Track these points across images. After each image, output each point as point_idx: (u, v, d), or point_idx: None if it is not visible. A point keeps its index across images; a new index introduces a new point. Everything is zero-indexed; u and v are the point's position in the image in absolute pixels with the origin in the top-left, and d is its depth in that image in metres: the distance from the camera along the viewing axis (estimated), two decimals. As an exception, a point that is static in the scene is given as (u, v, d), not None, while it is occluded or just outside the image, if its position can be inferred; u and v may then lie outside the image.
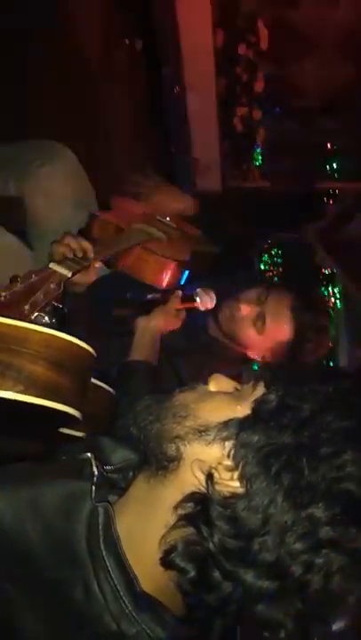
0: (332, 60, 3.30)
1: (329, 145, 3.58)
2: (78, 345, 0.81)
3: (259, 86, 3.07)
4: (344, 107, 3.45)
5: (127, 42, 2.51)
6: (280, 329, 1.41)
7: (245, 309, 1.43)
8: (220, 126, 2.89)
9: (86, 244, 1.22)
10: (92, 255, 1.22)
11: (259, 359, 1.49)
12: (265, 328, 1.41)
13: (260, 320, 1.41)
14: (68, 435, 0.89)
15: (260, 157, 3.34)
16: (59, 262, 1.04)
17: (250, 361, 1.51)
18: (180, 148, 2.92)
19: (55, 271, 1.00)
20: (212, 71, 2.77)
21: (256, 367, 1.56)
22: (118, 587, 0.56)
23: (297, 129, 3.50)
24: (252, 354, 1.49)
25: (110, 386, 1.05)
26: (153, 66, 2.70)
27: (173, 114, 2.85)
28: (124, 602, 0.55)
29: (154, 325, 1.36)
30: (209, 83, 2.80)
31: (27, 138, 1.66)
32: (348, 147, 3.55)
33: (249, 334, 1.44)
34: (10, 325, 0.77)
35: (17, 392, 0.73)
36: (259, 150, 3.31)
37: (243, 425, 0.58)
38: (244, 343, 1.47)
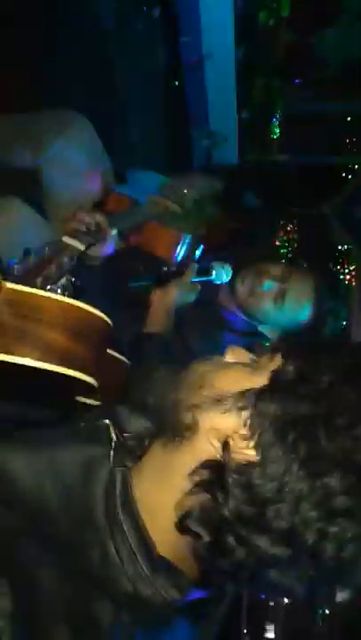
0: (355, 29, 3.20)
1: (349, 118, 3.50)
2: (95, 314, 0.82)
3: (279, 55, 2.99)
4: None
5: (145, 9, 2.45)
6: (300, 309, 1.41)
7: (267, 285, 1.42)
8: (237, 97, 2.83)
9: (100, 218, 1.21)
10: (106, 228, 1.21)
11: (269, 334, 1.49)
12: (284, 305, 1.41)
13: (281, 297, 1.41)
14: (84, 403, 0.90)
15: (277, 130, 3.28)
16: (72, 235, 1.04)
17: (260, 335, 1.51)
18: (197, 119, 2.87)
19: (68, 244, 1.00)
20: (231, 40, 2.69)
21: (267, 342, 1.56)
22: (135, 549, 0.57)
23: (317, 101, 3.41)
24: (262, 327, 1.49)
25: (124, 357, 1.06)
26: (171, 34, 2.63)
27: (191, 84, 2.79)
28: (140, 564, 0.56)
29: (169, 298, 1.36)
30: (228, 52, 2.72)
31: (40, 107, 1.64)
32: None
33: (267, 310, 1.43)
34: (27, 293, 0.77)
35: (34, 359, 0.74)
36: (277, 122, 3.25)
37: (260, 395, 0.58)
38: (259, 317, 1.47)
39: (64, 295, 0.90)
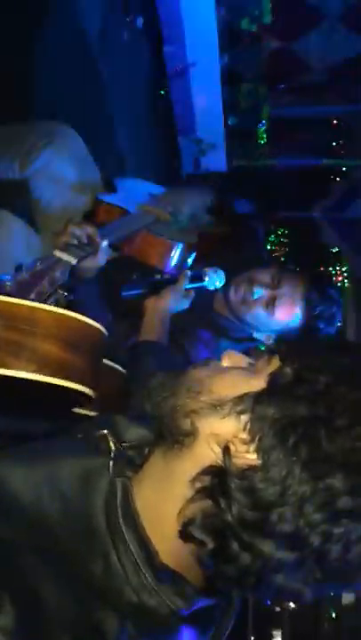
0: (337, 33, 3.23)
1: (336, 121, 3.53)
2: (89, 324, 0.82)
3: (263, 61, 3.02)
4: (350, 81, 3.39)
5: (128, 19, 2.47)
6: (291, 314, 1.41)
7: (258, 293, 1.43)
8: (224, 104, 2.85)
9: (91, 230, 1.21)
10: (98, 240, 1.21)
11: (264, 340, 1.49)
12: (275, 311, 1.41)
13: (272, 304, 1.41)
14: (81, 415, 0.90)
15: (265, 135, 3.30)
16: (63, 249, 1.04)
17: (254, 340, 1.52)
18: (184, 127, 2.89)
19: (60, 258, 1.00)
20: (215, 48, 2.72)
21: (262, 347, 1.56)
22: (138, 560, 0.56)
23: (302, 105, 3.44)
24: (257, 334, 1.49)
25: (121, 367, 1.06)
26: (155, 44, 2.65)
27: (177, 93, 2.80)
28: (143, 574, 0.56)
29: (163, 306, 1.36)
30: (212, 60, 2.74)
31: (27, 119, 1.64)
32: (354, 122, 3.50)
33: (259, 317, 1.44)
34: (20, 305, 0.77)
35: (31, 371, 0.74)
36: (264, 128, 3.27)
37: (258, 398, 0.58)
38: (252, 324, 1.47)
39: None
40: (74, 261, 1.02)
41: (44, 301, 0.89)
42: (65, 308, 0.94)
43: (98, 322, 1.30)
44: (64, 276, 0.96)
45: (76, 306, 1.26)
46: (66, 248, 1.05)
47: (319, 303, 1.40)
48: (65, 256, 1.01)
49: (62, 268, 0.97)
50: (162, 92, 2.78)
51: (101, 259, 1.26)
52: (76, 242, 1.17)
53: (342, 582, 0.55)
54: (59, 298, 0.91)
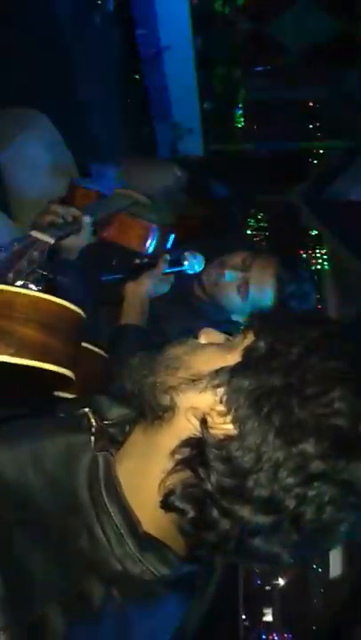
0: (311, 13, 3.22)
1: (311, 103, 3.53)
2: (67, 307, 0.82)
3: (237, 44, 3.00)
4: (326, 63, 3.40)
5: (100, 2, 2.43)
6: (262, 295, 1.42)
7: (230, 274, 1.44)
8: (199, 88, 2.83)
9: (75, 209, 1.22)
10: (84, 219, 1.22)
11: (241, 321, 1.51)
12: (248, 295, 1.42)
13: (243, 286, 1.42)
14: (63, 398, 0.90)
15: (241, 119, 3.29)
16: (40, 229, 1.03)
17: (234, 323, 1.53)
18: (159, 112, 2.87)
19: (37, 238, 1.00)
20: (188, 31, 2.69)
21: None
22: (121, 530, 0.58)
23: (278, 87, 3.43)
24: (235, 317, 1.50)
25: (102, 350, 1.07)
26: (127, 27, 2.62)
27: (150, 77, 2.78)
28: (127, 544, 0.57)
29: (143, 290, 1.36)
30: (186, 43, 2.72)
31: (-2, 107, 1.62)
32: (331, 104, 3.51)
33: (232, 299, 1.45)
34: (-2, 290, 0.77)
35: (9, 355, 0.74)
36: (240, 112, 3.26)
37: (234, 371, 0.60)
38: (227, 307, 1.48)
39: (37, 289, 0.90)
40: (51, 241, 1.01)
41: (25, 280, 0.88)
42: (45, 287, 0.94)
43: (80, 302, 1.31)
44: (43, 255, 0.96)
45: (57, 286, 1.26)
46: (43, 228, 1.05)
47: (290, 282, 1.41)
48: (42, 236, 1.00)
49: (40, 247, 0.97)
50: (136, 77, 2.75)
51: (85, 237, 1.26)
52: (61, 220, 1.17)
53: (318, 543, 0.57)
54: (37, 277, 0.91)
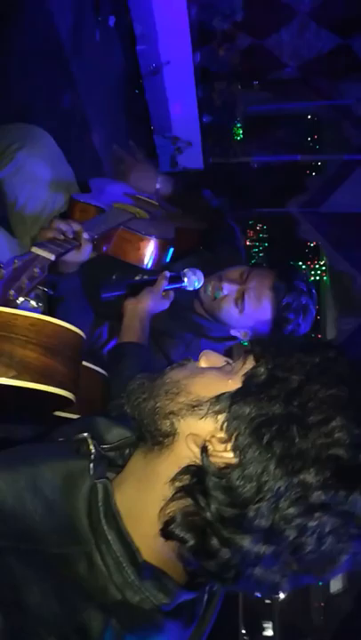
0: (308, 29, 3.27)
1: (310, 116, 3.57)
2: (67, 328, 0.82)
3: (236, 59, 3.03)
4: (323, 77, 3.43)
5: (99, 19, 2.45)
6: (260, 308, 1.42)
7: (227, 288, 1.44)
8: (198, 102, 2.85)
9: (77, 225, 1.22)
10: (83, 235, 1.22)
11: (241, 337, 1.51)
12: (245, 307, 1.43)
13: (240, 299, 1.42)
14: (63, 418, 0.90)
15: (240, 132, 3.32)
16: (41, 246, 1.03)
17: (234, 339, 1.53)
18: (159, 126, 2.89)
19: (38, 255, 1.00)
20: (188, 46, 2.72)
21: (245, 344, 1.58)
22: (121, 558, 0.58)
23: (276, 102, 3.47)
24: (233, 331, 1.50)
25: (102, 368, 1.06)
26: (128, 42, 2.64)
27: (151, 92, 2.80)
28: (126, 572, 0.57)
29: (143, 307, 1.36)
30: (185, 58, 2.75)
31: (-1, 122, 1.63)
32: (328, 117, 3.54)
33: (230, 313, 1.45)
34: (-2, 312, 0.77)
35: (10, 377, 0.74)
36: (239, 125, 3.29)
37: (234, 398, 0.60)
38: (225, 321, 1.48)
39: (38, 306, 0.90)
40: (52, 257, 1.01)
41: (25, 296, 0.88)
42: (46, 303, 0.94)
43: (81, 317, 1.31)
44: (43, 271, 0.96)
45: (57, 302, 1.27)
46: (44, 244, 1.05)
47: (287, 294, 1.41)
48: (42, 252, 1.00)
49: (41, 264, 0.97)
50: (136, 92, 2.78)
51: (85, 253, 1.26)
52: (62, 237, 1.17)
53: (318, 573, 0.57)
54: (39, 294, 0.91)
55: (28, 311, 0.79)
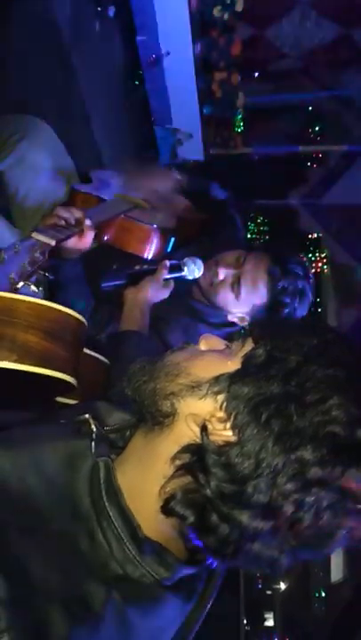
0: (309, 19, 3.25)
1: (311, 107, 3.55)
2: (68, 313, 0.83)
3: (236, 50, 3.01)
4: (324, 68, 3.42)
5: (99, 9, 2.44)
6: (256, 292, 1.43)
7: (223, 272, 1.45)
8: (199, 93, 2.84)
9: (78, 212, 1.23)
10: (85, 221, 1.23)
11: (238, 322, 1.51)
12: (241, 291, 1.43)
13: (237, 283, 1.43)
14: (64, 403, 0.91)
15: (241, 123, 3.30)
16: (42, 232, 1.04)
17: (233, 325, 1.54)
18: (159, 117, 2.88)
19: (39, 240, 1.01)
20: (188, 37, 2.70)
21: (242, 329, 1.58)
22: (122, 534, 0.59)
23: (277, 93, 3.45)
24: (231, 317, 1.51)
25: (103, 356, 1.08)
26: (128, 33, 2.63)
27: (151, 83, 2.79)
28: (127, 547, 0.58)
29: (143, 296, 1.37)
30: (185, 49, 2.73)
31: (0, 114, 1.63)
32: (330, 108, 3.53)
33: (227, 297, 1.46)
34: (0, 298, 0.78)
35: (12, 361, 0.75)
36: (240, 116, 3.27)
37: (233, 378, 0.61)
38: (222, 306, 1.49)
39: (39, 290, 0.91)
40: (53, 243, 1.02)
41: (26, 281, 0.89)
42: (46, 288, 0.95)
43: (82, 304, 1.32)
44: (44, 257, 0.97)
45: (58, 287, 1.28)
46: (45, 230, 1.06)
47: (282, 277, 1.42)
48: (43, 238, 1.01)
49: (41, 249, 0.98)
50: (136, 83, 2.77)
51: (87, 240, 1.27)
52: (64, 223, 1.18)
53: (316, 548, 0.58)
54: (39, 278, 0.92)
55: (28, 295, 0.80)
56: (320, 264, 3.48)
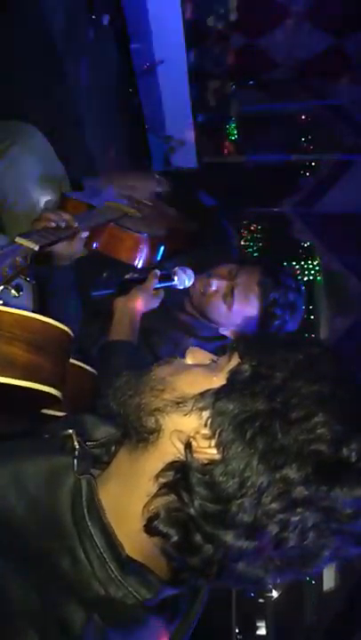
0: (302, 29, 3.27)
1: (303, 116, 3.57)
2: (53, 325, 0.82)
3: (230, 58, 3.03)
4: (317, 77, 3.45)
5: (93, 17, 2.45)
6: (248, 304, 1.42)
7: (216, 284, 1.44)
8: (192, 101, 2.86)
9: (67, 215, 1.22)
10: (75, 225, 1.22)
11: (229, 335, 1.51)
12: (233, 303, 1.43)
13: (229, 295, 1.43)
14: (50, 415, 0.90)
15: (235, 132, 3.32)
16: (25, 236, 1.03)
17: (223, 338, 1.53)
18: (152, 125, 2.89)
19: (22, 244, 1.00)
20: (181, 45, 2.72)
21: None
22: (104, 554, 0.58)
23: (270, 102, 3.47)
24: (222, 329, 1.50)
25: (91, 366, 1.06)
26: (122, 41, 2.64)
27: (145, 90, 2.80)
28: (110, 567, 0.57)
29: (133, 306, 1.36)
30: (179, 57, 2.75)
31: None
32: (322, 117, 3.55)
33: (219, 309, 1.45)
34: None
35: (-5, 374, 0.74)
36: (233, 124, 3.29)
37: (218, 395, 0.60)
38: (213, 318, 1.48)
39: (19, 295, 0.89)
40: (36, 247, 1.01)
41: (5, 285, 0.87)
42: (37, 295, 0.93)
43: (72, 314, 1.30)
44: (26, 261, 0.95)
45: (49, 294, 1.26)
46: (29, 234, 1.05)
47: (274, 290, 1.42)
48: (26, 242, 1.00)
49: (24, 253, 0.97)
50: (130, 90, 2.77)
51: (78, 245, 1.26)
52: (53, 225, 1.17)
53: (301, 568, 0.57)
54: (21, 283, 0.90)
55: (7, 300, 0.79)
56: (313, 272, 3.49)
